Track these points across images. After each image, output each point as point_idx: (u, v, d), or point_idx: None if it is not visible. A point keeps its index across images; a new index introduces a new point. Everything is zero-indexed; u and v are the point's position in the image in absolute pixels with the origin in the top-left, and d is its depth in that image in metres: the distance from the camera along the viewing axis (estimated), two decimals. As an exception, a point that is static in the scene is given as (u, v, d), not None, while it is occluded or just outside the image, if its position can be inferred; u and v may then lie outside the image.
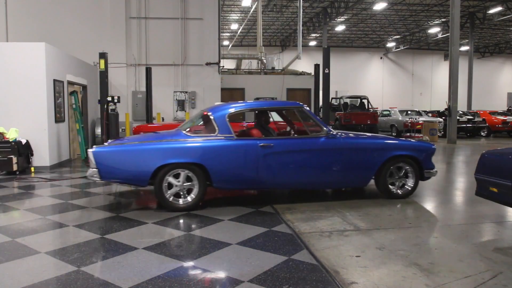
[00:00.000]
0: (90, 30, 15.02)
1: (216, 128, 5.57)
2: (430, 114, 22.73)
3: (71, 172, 9.00)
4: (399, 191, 6.13)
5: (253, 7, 23.74)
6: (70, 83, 10.94)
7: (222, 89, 17.10)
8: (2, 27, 14.38)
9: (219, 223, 4.94)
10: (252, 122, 10.70)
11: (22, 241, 4.27)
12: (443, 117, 19.41)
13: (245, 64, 26.98)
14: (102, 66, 10.45)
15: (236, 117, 8.47)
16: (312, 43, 37.67)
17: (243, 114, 10.88)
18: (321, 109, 13.15)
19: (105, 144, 5.88)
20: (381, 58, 40.40)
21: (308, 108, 6.16)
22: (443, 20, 30.64)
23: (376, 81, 39.75)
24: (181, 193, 5.45)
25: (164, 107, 15.69)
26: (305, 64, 27.64)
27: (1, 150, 8.33)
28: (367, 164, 5.95)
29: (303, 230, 4.60)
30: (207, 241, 4.29)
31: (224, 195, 6.50)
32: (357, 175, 6.00)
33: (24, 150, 8.72)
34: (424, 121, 18.39)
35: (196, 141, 5.51)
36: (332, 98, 22.66)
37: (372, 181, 6.17)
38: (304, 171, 5.76)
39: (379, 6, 26.28)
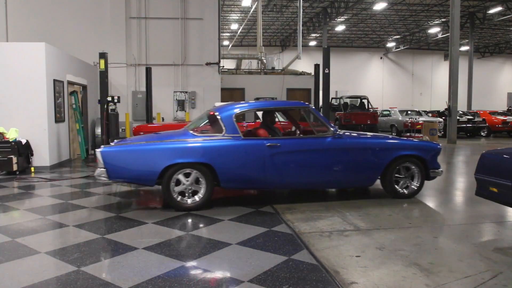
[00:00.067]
0: (90, 30, 15.02)
1: (223, 128, 5.58)
2: (430, 114, 22.73)
3: (71, 172, 9.00)
4: (405, 191, 6.14)
5: (253, 7, 23.74)
6: (70, 83, 10.94)
7: (222, 89, 17.11)
8: (2, 27, 14.38)
9: (219, 223, 4.94)
10: (252, 122, 10.72)
11: (22, 241, 4.27)
12: (443, 117, 19.41)
13: (245, 64, 26.99)
14: (102, 66, 10.46)
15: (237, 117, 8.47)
16: (312, 43, 37.68)
17: (243, 115, 10.88)
18: (321, 109, 13.15)
19: (112, 144, 5.88)
20: (381, 58, 40.41)
21: (314, 108, 6.17)
22: (443, 20, 30.65)
23: (376, 81, 39.75)
24: (187, 193, 5.46)
25: (164, 107, 15.70)
26: (305, 64, 27.65)
27: (1, 150, 8.33)
28: (373, 164, 5.96)
29: (303, 230, 4.60)
30: (207, 241, 4.29)
31: (224, 195, 6.51)
32: (363, 175, 6.01)
33: (24, 150, 8.72)
34: (424, 121, 18.38)
35: (203, 141, 5.52)
36: (332, 98, 22.69)
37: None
38: (310, 171, 5.77)
39: (379, 6, 26.29)
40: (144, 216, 5.23)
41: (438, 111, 23.37)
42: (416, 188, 6.17)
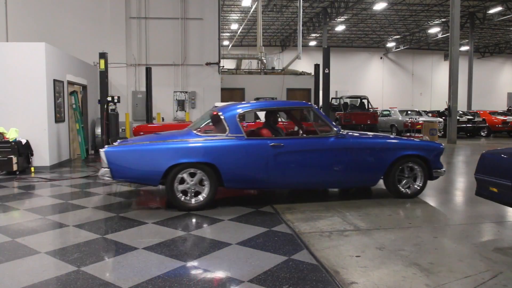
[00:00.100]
0: (90, 30, 15.02)
1: (227, 128, 5.59)
2: (430, 114, 22.73)
3: (71, 172, 9.00)
4: (408, 191, 6.16)
5: (253, 7, 23.74)
6: (70, 83, 10.93)
7: (222, 89, 17.10)
8: (2, 27, 14.38)
9: (219, 223, 4.94)
10: (252, 122, 10.72)
11: (22, 241, 4.27)
12: (443, 117, 19.41)
13: (245, 64, 26.99)
14: (102, 66, 10.47)
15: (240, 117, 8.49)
16: (312, 43, 37.68)
17: (244, 115, 10.86)
18: (321, 109, 13.16)
19: (115, 144, 5.88)
20: (381, 58, 40.41)
21: (317, 107, 6.17)
22: (443, 20, 30.65)
23: (376, 81, 39.76)
24: (189, 193, 5.46)
25: (164, 107, 15.70)
26: (305, 64, 27.65)
27: (1, 150, 8.32)
28: (376, 163, 5.98)
29: (303, 230, 4.60)
30: (207, 241, 4.29)
31: (224, 195, 6.50)
32: (366, 174, 6.03)
33: (24, 150, 8.72)
34: (424, 121, 18.39)
35: (207, 141, 5.53)
36: (332, 98, 22.70)
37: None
38: (314, 171, 5.78)
39: (379, 6, 26.29)
40: (144, 216, 5.23)
41: (438, 111, 23.37)
42: (419, 188, 6.18)
